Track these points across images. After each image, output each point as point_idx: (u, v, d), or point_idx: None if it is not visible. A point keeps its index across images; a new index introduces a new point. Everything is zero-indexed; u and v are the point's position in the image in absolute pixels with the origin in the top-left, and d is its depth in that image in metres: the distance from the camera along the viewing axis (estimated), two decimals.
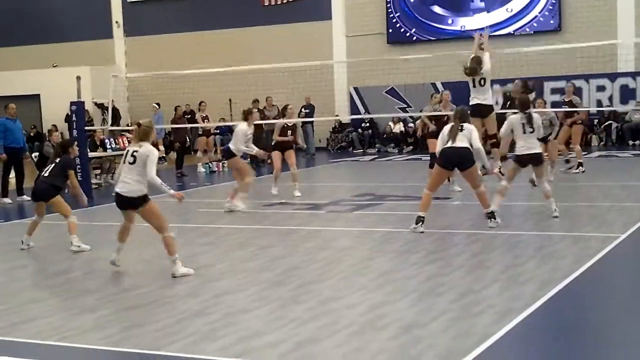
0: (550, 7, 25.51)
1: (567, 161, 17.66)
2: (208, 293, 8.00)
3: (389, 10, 27.45)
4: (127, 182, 8.84)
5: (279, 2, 28.97)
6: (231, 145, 13.77)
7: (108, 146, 19.46)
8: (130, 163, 8.82)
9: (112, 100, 20.35)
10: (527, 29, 25.84)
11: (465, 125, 11.00)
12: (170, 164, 23.29)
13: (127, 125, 28.16)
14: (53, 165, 10.94)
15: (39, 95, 30.31)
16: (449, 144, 10.86)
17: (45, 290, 8.76)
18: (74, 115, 17.16)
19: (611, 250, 9.26)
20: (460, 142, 10.82)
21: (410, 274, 8.52)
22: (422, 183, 16.16)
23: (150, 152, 8.84)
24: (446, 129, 11.07)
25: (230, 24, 29.38)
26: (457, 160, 10.89)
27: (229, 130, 25.37)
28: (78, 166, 16.79)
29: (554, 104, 24.73)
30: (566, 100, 17.35)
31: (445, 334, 6.34)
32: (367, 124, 27.29)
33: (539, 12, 25.72)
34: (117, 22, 31.84)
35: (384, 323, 6.69)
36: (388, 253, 9.79)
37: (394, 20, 27.41)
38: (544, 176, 11.76)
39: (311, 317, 6.94)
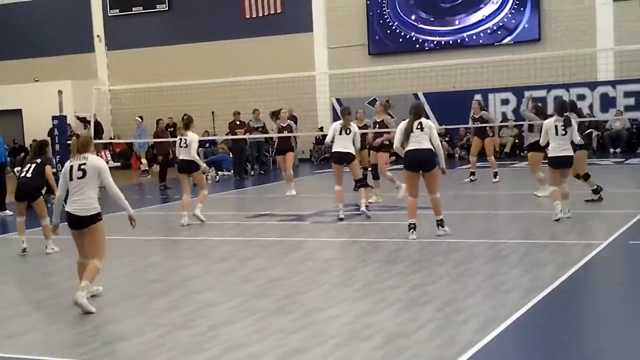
0: (530, 17, 25.69)
1: (472, 173, 17.89)
2: (192, 305, 7.98)
3: (370, 22, 27.56)
4: (80, 199, 8.05)
5: (260, 15, 29.02)
6: (192, 156, 13.70)
7: None
8: (79, 178, 8.06)
9: (95, 114, 20.33)
10: (508, 39, 25.99)
11: (424, 122, 11.04)
12: (154, 177, 23.24)
13: (110, 139, 28.14)
14: (34, 165, 10.99)
15: (21, 110, 30.20)
16: (414, 146, 10.92)
17: (27, 305, 8.70)
18: (56, 129, 17.14)
19: (593, 258, 9.31)
20: (424, 142, 10.90)
21: (395, 283, 8.53)
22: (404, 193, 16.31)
23: (100, 163, 8.20)
24: (402, 125, 11.09)
25: (212, 37, 29.40)
26: (421, 162, 10.93)
27: (212, 142, 25.40)
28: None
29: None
30: (476, 116, 17.64)
31: (430, 343, 6.37)
32: None
33: (520, 22, 25.88)
34: (98, 35, 31.80)
35: (368, 333, 6.70)
36: (372, 263, 9.80)
37: (375, 32, 27.53)
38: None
39: (296, 328, 6.94)
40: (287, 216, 14.26)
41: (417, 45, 27.00)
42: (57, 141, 17.06)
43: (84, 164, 8.08)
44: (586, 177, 13.54)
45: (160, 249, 11.84)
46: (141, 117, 25.70)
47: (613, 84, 24.50)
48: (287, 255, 10.61)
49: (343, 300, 7.89)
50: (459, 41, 26.48)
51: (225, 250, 11.16)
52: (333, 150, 13.36)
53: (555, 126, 11.78)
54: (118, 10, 31.37)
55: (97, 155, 19.23)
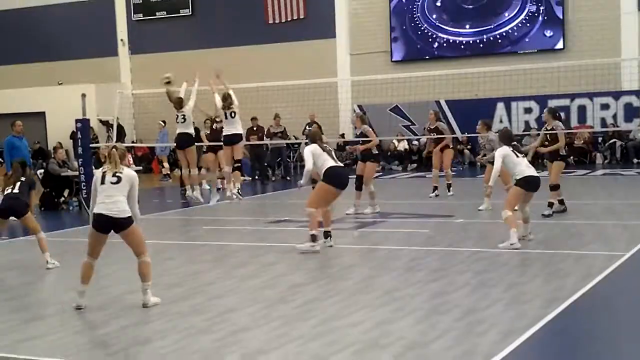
0: (555, 26, 25.57)
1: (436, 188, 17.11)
2: (212, 310, 8.00)
3: (393, 28, 27.54)
4: (114, 202, 8.25)
5: (283, 21, 29.07)
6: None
7: None
8: (112, 183, 8.28)
9: (117, 118, 20.44)
10: (531, 48, 25.88)
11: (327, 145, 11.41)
12: (175, 181, 23.32)
13: (132, 142, 28.29)
14: (20, 183, 11.12)
15: (44, 112, 30.41)
16: (335, 163, 11.14)
17: (49, 307, 8.75)
18: (79, 132, 17.24)
19: (616, 269, 9.24)
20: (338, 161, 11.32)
21: (414, 292, 8.50)
22: (427, 200, 16.28)
23: (135, 175, 8.48)
24: (317, 148, 11.15)
25: (234, 42, 29.48)
26: (346, 180, 11.27)
27: None
28: (83, 183, 16.91)
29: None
30: (432, 127, 17.13)
31: (449, 353, 6.34)
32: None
33: (544, 31, 25.77)
34: (122, 40, 31.97)
35: (388, 341, 6.68)
36: (391, 271, 9.78)
37: (398, 39, 27.50)
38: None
39: (315, 335, 6.93)
40: (306, 222, 14.19)
41: (440, 53, 26.94)
42: (79, 144, 17.14)
43: (121, 172, 8.33)
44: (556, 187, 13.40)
45: (180, 253, 11.86)
46: (164, 122, 25.78)
47: (638, 93, 24.33)
48: (306, 261, 10.60)
49: (362, 308, 7.88)
50: (482, 49, 26.36)
51: (246, 256, 11.16)
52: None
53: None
54: (141, 14, 31.52)
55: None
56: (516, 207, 11.14)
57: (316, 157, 11.09)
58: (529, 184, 10.94)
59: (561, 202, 13.55)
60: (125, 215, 8.28)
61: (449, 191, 16.81)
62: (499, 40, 26.27)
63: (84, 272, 8.40)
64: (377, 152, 15.18)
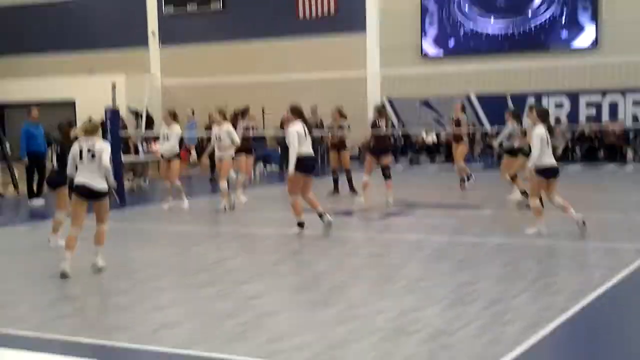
0: (588, 22, 25.30)
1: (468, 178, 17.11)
2: (237, 296, 8.03)
3: (423, 23, 27.41)
4: (93, 176, 9.15)
5: (313, 16, 29.02)
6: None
7: (141, 151, 19.65)
8: (90, 159, 9.18)
9: (147, 107, 20.56)
10: (564, 44, 25.63)
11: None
12: (202, 170, 23.42)
13: None
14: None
15: (74, 101, 30.63)
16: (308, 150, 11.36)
17: (76, 287, 8.82)
18: (108, 121, 17.33)
19: None
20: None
21: (440, 281, 8.48)
22: (453, 192, 16.21)
23: (105, 145, 9.33)
24: (302, 130, 11.39)
25: (264, 35, 29.49)
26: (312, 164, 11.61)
27: (262, 138, 25.49)
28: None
29: (588, 119, 24.67)
30: (454, 118, 17.02)
31: (475, 341, 6.31)
32: (400, 134, 27.23)
33: (578, 28, 25.50)
34: (152, 32, 32.10)
35: (414, 329, 6.66)
36: (418, 260, 9.76)
37: (428, 33, 27.36)
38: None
39: (340, 321, 6.93)
40: (333, 211, 14.18)
41: (471, 47, 26.74)
42: (109, 133, 17.22)
43: (93, 146, 9.20)
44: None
45: (205, 239, 11.91)
46: (192, 111, 25.87)
47: None
48: (332, 249, 10.61)
49: (388, 296, 7.87)
50: (513, 44, 26.14)
51: (271, 243, 11.19)
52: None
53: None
54: (172, 7, 31.64)
55: (147, 146, 19.58)
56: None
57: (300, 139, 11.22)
58: (547, 172, 10.85)
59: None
60: (103, 186, 9.18)
61: (461, 186, 16.66)
62: (531, 36, 26.02)
63: (71, 238, 9.15)
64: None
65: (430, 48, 27.39)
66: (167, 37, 31.64)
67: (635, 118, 24.42)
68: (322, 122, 22.79)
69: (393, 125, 25.03)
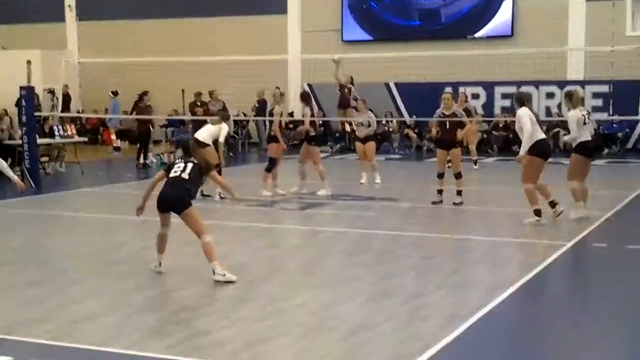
0: (505, 12, 25.77)
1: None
2: (157, 289, 7.96)
3: (344, 7, 27.45)
4: None
5: None
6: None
7: (57, 133, 19.12)
8: None
9: (66, 86, 20.02)
10: (481, 33, 26.06)
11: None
12: (126, 155, 23.06)
13: (77, 112, 27.79)
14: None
15: None
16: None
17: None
18: (23, 100, 16.89)
19: (557, 258, 9.41)
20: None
21: (359, 274, 8.56)
22: (374, 183, 16.36)
23: None
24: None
25: (185, 14, 29.10)
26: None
27: (181, 122, 25.20)
28: (27, 152, 16.51)
29: (504, 109, 25.15)
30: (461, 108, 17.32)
31: (393, 337, 6.40)
32: (320, 122, 27.21)
33: (494, 17, 25.96)
34: (69, 5, 31.28)
35: (333, 325, 6.72)
36: (337, 253, 9.83)
37: (349, 18, 27.43)
38: None
39: (260, 317, 6.94)
40: (253, 201, 14.12)
41: (391, 34, 26.91)
42: (23, 112, 16.79)
43: None
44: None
45: (126, 227, 11.74)
46: (114, 92, 25.29)
47: (583, 83, 24.65)
48: (252, 241, 10.58)
49: (307, 289, 7.91)
50: (432, 32, 26.43)
51: (190, 235, 11.07)
52: None
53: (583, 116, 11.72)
54: None
55: (63, 128, 19.12)
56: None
57: None
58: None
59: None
60: None
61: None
62: (450, 24, 26.35)
63: None
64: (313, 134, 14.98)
65: (351, 34, 27.42)
66: (85, 11, 30.82)
67: (548, 111, 24.98)
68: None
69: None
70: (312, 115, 14.85)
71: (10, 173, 9.25)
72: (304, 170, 14.74)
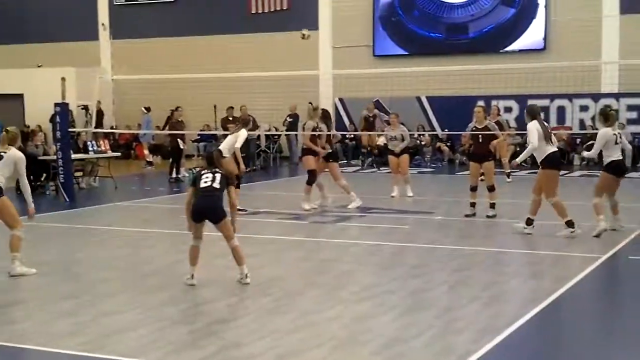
0: (537, 26, 25.63)
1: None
2: (187, 302, 7.96)
3: (376, 22, 27.47)
4: None
5: (266, 11, 28.91)
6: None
7: (90, 148, 19.27)
8: None
9: (99, 102, 20.20)
10: (513, 47, 25.92)
11: None
12: (158, 169, 23.24)
13: (111, 128, 28.05)
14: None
15: (22, 95, 30.07)
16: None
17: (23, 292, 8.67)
18: (58, 116, 17.06)
19: (592, 271, 9.28)
20: None
21: (393, 288, 8.51)
22: (406, 196, 16.29)
23: (19, 155, 9.40)
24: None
25: (217, 31, 29.28)
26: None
27: (212, 136, 25.34)
28: (61, 168, 16.70)
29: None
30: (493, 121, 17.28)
31: (427, 350, 6.34)
32: (352, 136, 27.24)
33: (526, 31, 25.82)
34: (103, 24, 31.64)
35: (366, 338, 6.67)
36: (370, 266, 9.78)
37: (380, 33, 27.43)
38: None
39: (293, 329, 6.91)
40: (285, 214, 14.16)
41: (422, 48, 26.86)
42: (58, 128, 16.96)
43: (5, 152, 9.26)
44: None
45: (159, 241, 11.79)
46: (147, 108, 25.57)
47: (617, 96, 24.44)
48: (285, 254, 10.58)
49: (340, 303, 7.87)
50: (463, 46, 26.34)
51: (224, 247, 11.08)
52: None
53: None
54: None
55: (97, 143, 19.27)
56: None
57: None
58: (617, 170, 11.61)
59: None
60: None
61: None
62: (482, 39, 26.24)
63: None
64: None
65: (382, 48, 27.42)
66: (118, 30, 31.21)
67: (582, 123, 24.78)
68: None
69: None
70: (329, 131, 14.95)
71: (29, 199, 9.53)
72: (320, 182, 14.77)
